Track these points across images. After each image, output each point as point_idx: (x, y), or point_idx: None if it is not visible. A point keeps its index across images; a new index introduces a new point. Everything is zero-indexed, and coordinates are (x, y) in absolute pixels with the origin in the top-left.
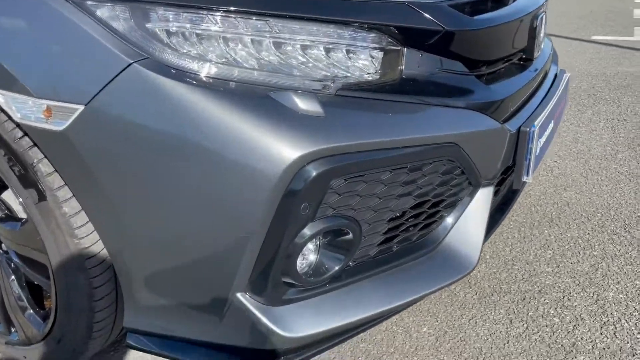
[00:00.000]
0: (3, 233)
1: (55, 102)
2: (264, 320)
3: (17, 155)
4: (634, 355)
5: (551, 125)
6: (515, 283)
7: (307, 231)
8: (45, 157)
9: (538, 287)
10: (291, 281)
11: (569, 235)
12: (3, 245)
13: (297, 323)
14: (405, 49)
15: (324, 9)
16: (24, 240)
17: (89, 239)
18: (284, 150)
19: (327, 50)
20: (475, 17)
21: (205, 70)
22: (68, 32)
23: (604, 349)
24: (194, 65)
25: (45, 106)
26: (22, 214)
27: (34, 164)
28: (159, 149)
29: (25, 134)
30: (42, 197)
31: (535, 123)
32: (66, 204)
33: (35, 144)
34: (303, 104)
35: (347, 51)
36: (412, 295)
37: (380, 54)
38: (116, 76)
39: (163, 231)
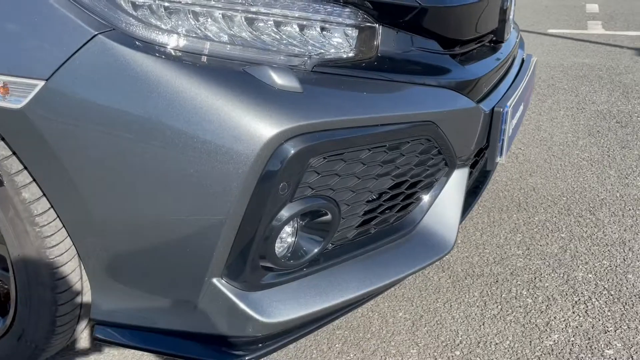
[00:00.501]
0: None
1: (12, 77)
2: (242, 305)
3: None
4: (605, 332)
5: (521, 107)
6: (487, 266)
7: (285, 212)
8: (2, 138)
9: (510, 269)
10: (269, 265)
11: (536, 218)
12: None
13: (275, 308)
14: (380, 26)
15: None
16: None
17: (51, 227)
18: (260, 127)
19: (302, 27)
20: None
21: (175, 43)
22: (26, 1)
23: (576, 327)
24: (162, 38)
25: (1, 82)
26: None
27: None
28: (126, 128)
29: None
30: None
31: (508, 104)
32: (25, 190)
33: None
34: (280, 79)
35: (322, 28)
36: (391, 278)
37: (355, 31)
38: (79, 49)
39: (133, 216)
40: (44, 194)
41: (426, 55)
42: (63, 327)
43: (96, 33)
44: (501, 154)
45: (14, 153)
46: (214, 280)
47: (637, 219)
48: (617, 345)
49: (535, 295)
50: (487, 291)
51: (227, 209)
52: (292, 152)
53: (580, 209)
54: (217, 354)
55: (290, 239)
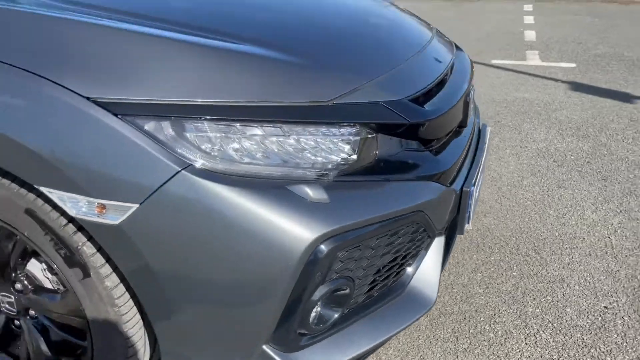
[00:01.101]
0: (38, 303)
1: (110, 201)
2: None
3: (64, 240)
4: None
5: (482, 176)
6: (456, 304)
7: (318, 293)
8: (90, 240)
9: (474, 307)
10: (304, 331)
11: (492, 258)
12: (31, 311)
13: None
14: (379, 135)
15: (325, 115)
16: (63, 309)
17: (126, 307)
18: (303, 234)
19: (324, 144)
20: (430, 108)
21: (235, 170)
22: (122, 143)
23: (529, 357)
24: (225, 167)
25: (98, 204)
26: (49, 284)
27: (79, 247)
28: (203, 237)
29: (75, 224)
30: (86, 274)
31: (473, 182)
32: (108, 279)
33: (79, 231)
34: (312, 193)
35: (337, 142)
36: (392, 331)
37: (361, 142)
38: (166, 182)
39: (203, 299)
40: (121, 281)
41: (412, 155)
42: None
43: (179, 169)
44: (469, 222)
45: (98, 250)
46: (264, 347)
47: (572, 257)
48: None
49: (495, 330)
50: (457, 327)
51: (279, 294)
52: (326, 250)
53: (527, 248)
54: None
55: (317, 309)
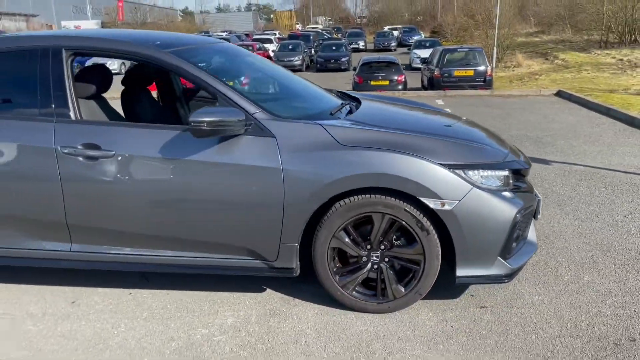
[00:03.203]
0: (399, 253)
1: (447, 200)
2: (506, 264)
3: (420, 220)
4: None
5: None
6: None
7: (515, 233)
8: (430, 219)
9: None
10: (510, 249)
11: None
12: (385, 258)
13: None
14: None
15: (504, 167)
16: (413, 253)
17: (438, 247)
18: (514, 209)
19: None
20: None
21: (493, 189)
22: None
23: None
24: (489, 188)
25: (440, 202)
26: (403, 242)
27: (427, 222)
28: (485, 214)
29: (428, 213)
30: (429, 233)
31: (538, 194)
32: (435, 236)
33: (426, 216)
34: (509, 195)
35: (510, 177)
36: (529, 255)
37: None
38: (469, 191)
39: (486, 239)
40: (438, 237)
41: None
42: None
43: (472, 188)
44: (539, 213)
45: (433, 223)
46: (498, 257)
47: None
48: None
49: None
50: None
51: (508, 234)
52: (519, 217)
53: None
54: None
55: (514, 240)
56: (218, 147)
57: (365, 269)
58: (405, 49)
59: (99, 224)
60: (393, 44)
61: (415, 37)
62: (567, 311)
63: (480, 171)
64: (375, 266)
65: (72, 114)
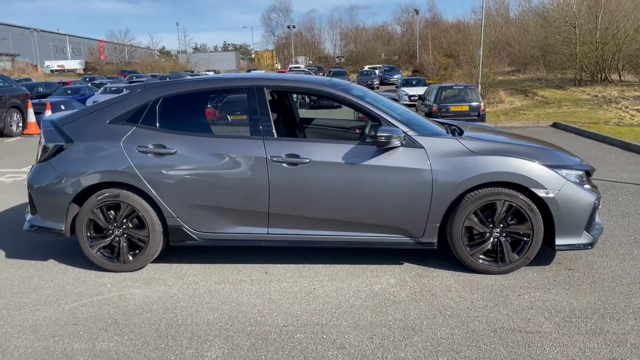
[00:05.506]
0: (514, 229)
1: (549, 189)
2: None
3: (530, 206)
4: None
5: None
6: None
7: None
8: (535, 203)
9: None
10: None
11: None
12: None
13: None
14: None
15: (574, 168)
16: (524, 228)
17: (532, 220)
18: (593, 196)
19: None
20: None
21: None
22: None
23: None
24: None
25: (544, 191)
26: (517, 222)
27: (533, 206)
28: (568, 198)
29: (538, 201)
30: (537, 215)
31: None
32: (539, 215)
33: (533, 201)
34: (588, 185)
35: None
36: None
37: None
38: (563, 185)
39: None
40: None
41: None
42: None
43: (566, 181)
44: None
45: (539, 207)
46: (584, 232)
47: None
48: None
49: None
50: None
51: (590, 213)
52: (594, 200)
53: None
54: None
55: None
56: (382, 156)
57: (490, 242)
58: (386, 87)
59: (292, 212)
60: (376, 82)
61: (396, 76)
62: (631, 270)
63: (567, 170)
64: (496, 240)
65: (274, 132)
